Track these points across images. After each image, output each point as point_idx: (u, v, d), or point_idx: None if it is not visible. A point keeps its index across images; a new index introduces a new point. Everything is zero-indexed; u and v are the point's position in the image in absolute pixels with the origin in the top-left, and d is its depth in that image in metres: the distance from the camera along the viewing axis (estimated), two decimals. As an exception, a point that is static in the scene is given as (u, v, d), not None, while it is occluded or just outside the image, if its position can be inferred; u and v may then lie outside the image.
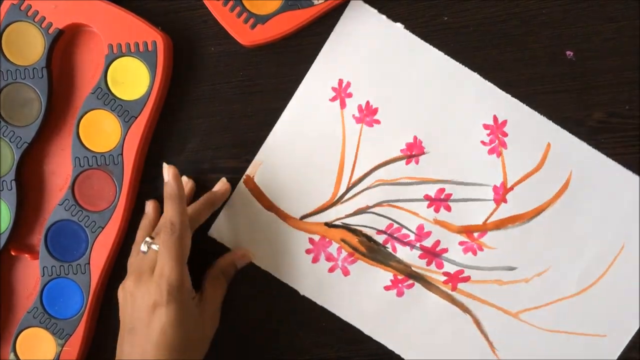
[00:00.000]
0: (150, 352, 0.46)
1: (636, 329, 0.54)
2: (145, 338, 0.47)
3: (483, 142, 0.53)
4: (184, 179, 0.54)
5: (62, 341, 0.53)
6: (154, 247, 0.49)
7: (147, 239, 0.50)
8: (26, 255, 0.54)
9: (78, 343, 0.53)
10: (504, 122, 0.53)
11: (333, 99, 0.55)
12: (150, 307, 0.47)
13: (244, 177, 0.55)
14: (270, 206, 0.55)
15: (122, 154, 0.52)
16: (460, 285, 0.55)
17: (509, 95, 0.53)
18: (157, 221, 0.53)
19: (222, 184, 0.55)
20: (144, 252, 0.50)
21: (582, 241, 0.54)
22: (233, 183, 0.55)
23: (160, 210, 0.54)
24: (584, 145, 0.53)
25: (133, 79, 0.52)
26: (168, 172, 0.51)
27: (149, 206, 0.54)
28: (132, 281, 0.48)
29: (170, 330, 0.46)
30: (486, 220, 0.54)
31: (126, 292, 0.49)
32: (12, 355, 0.53)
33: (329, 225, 0.55)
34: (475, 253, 0.54)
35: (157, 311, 0.47)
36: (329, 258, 0.55)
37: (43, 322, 0.53)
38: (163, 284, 0.47)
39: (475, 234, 0.54)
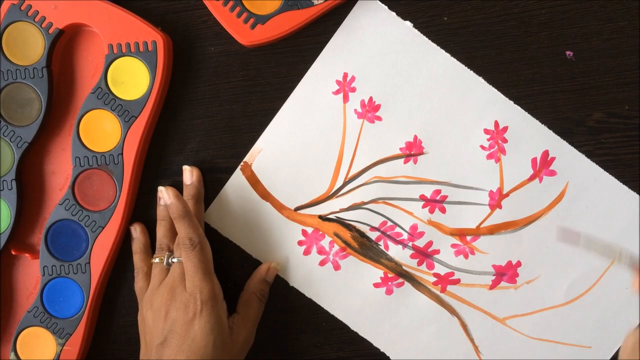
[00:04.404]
0: None
1: (620, 343, 0.54)
2: (178, 348, 0.48)
3: (482, 147, 0.53)
4: (188, 168, 0.54)
5: (63, 340, 0.53)
6: (175, 259, 0.51)
7: (167, 253, 0.52)
8: (26, 254, 0.54)
9: (78, 342, 0.53)
10: (505, 128, 0.53)
11: (336, 92, 0.55)
12: (189, 319, 0.48)
13: (241, 163, 0.55)
14: (265, 195, 0.55)
15: (122, 154, 0.52)
16: (450, 288, 0.55)
17: (512, 102, 0.53)
18: (148, 242, 0.54)
19: (190, 172, 0.54)
20: (167, 267, 0.52)
21: (573, 252, 0.54)
22: (233, 183, 0.55)
23: (147, 232, 0.55)
24: (583, 158, 0.53)
25: (133, 79, 0.52)
26: (168, 193, 0.51)
27: (137, 230, 0.54)
28: (165, 297, 0.49)
29: (201, 336, 0.48)
30: (480, 224, 0.54)
31: (157, 307, 0.50)
32: (12, 355, 0.53)
33: (323, 218, 0.55)
34: (466, 256, 0.54)
35: (193, 321, 0.48)
36: (321, 251, 0.55)
37: (43, 322, 0.53)
38: (197, 295, 0.48)
39: (468, 238, 0.54)
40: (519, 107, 0.53)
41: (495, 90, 0.53)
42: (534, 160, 0.54)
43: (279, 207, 0.55)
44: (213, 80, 0.55)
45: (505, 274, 0.54)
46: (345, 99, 0.55)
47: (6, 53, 0.52)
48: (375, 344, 0.55)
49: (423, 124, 0.54)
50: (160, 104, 0.53)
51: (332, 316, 0.55)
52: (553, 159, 0.54)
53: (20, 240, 0.55)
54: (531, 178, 0.54)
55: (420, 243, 0.55)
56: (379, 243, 0.55)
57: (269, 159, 0.55)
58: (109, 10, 0.52)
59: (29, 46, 0.52)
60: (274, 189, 0.55)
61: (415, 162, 0.54)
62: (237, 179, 0.55)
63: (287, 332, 0.56)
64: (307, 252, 0.55)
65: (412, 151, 0.54)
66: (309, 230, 0.55)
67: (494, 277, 0.54)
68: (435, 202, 0.54)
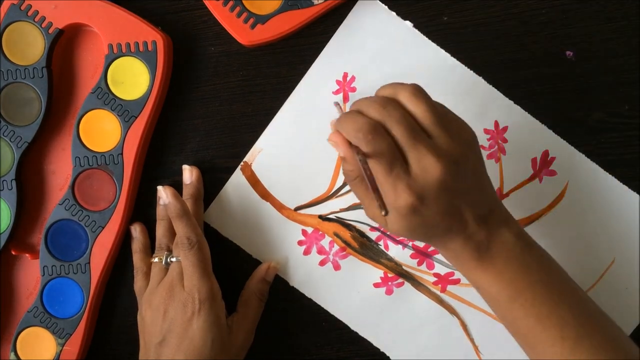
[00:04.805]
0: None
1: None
2: (177, 347, 0.48)
3: (482, 147, 0.53)
4: (187, 167, 0.54)
5: (63, 340, 0.53)
6: (174, 259, 0.51)
7: (165, 252, 0.52)
8: (26, 254, 0.54)
9: (78, 342, 0.53)
10: (505, 128, 0.53)
11: (336, 92, 0.55)
12: (187, 319, 0.48)
13: (241, 163, 0.55)
14: (265, 195, 0.55)
15: (122, 154, 0.52)
16: (450, 288, 0.55)
17: (512, 102, 0.53)
18: (148, 242, 0.54)
19: (189, 172, 0.54)
20: (165, 267, 0.52)
21: (573, 252, 0.54)
22: (233, 183, 0.55)
23: (147, 232, 0.55)
24: (583, 158, 0.53)
25: (133, 79, 0.52)
26: (166, 192, 0.52)
27: (136, 230, 0.54)
28: (163, 296, 0.49)
29: (199, 335, 0.48)
30: (479, 224, 0.54)
31: (156, 307, 0.50)
32: (12, 355, 0.53)
33: (323, 218, 0.55)
34: (466, 256, 0.54)
35: (192, 321, 0.48)
36: (321, 251, 0.55)
37: (43, 322, 0.53)
38: (195, 295, 0.48)
39: (468, 238, 0.54)
40: (519, 107, 0.53)
41: (495, 90, 0.53)
42: (534, 160, 0.54)
43: (279, 207, 0.55)
44: (213, 80, 0.55)
45: (505, 274, 0.54)
46: (346, 98, 0.54)
47: (6, 53, 0.52)
48: (375, 344, 0.55)
49: (423, 124, 0.54)
50: (160, 104, 0.53)
51: (332, 316, 0.55)
52: (553, 159, 0.54)
53: (20, 240, 0.55)
54: (531, 178, 0.54)
55: (420, 243, 0.55)
56: (379, 243, 0.55)
57: (269, 159, 0.55)
58: (109, 10, 0.52)
59: (29, 46, 0.52)
60: (274, 188, 0.55)
61: (415, 162, 0.54)
62: (237, 179, 0.55)
63: (287, 332, 0.56)
64: (307, 252, 0.55)
65: (412, 151, 0.54)
66: (309, 230, 0.55)
67: None
68: (435, 202, 0.54)
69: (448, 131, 0.42)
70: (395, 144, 0.41)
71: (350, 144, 0.42)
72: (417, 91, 0.42)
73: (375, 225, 0.55)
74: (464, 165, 0.42)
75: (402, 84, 0.43)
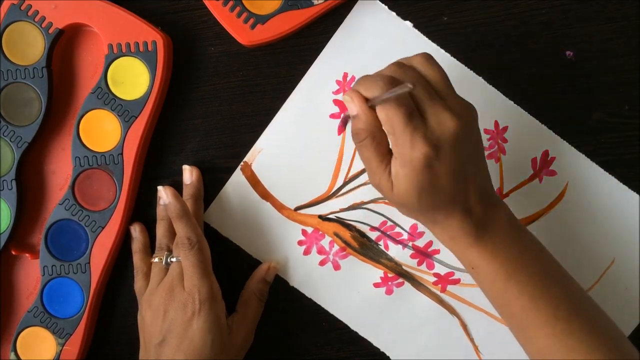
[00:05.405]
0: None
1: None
2: (177, 348, 0.48)
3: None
4: (188, 167, 0.54)
5: (63, 340, 0.53)
6: (174, 259, 0.51)
7: (166, 252, 0.52)
8: (26, 254, 0.54)
9: (78, 342, 0.53)
10: (505, 128, 0.53)
11: (336, 92, 0.55)
12: (187, 319, 0.48)
13: (241, 163, 0.55)
14: (265, 195, 0.55)
15: (122, 154, 0.52)
16: (450, 288, 0.55)
17: (512, 102, 0.53)
18: (148, 242, 0.54)
19: (190, 172, 0.54)
20: (165, 267, 0.52)
21: (573, 252, 0.54)
22: (233, 183, 0.55)
23: (147, 232, 0.55)
24: (583, 158, 0.53)
25: (133, 79, 0.52)
26: (166, 192, 0.52)
27: (136, 230, 0.54)
28: (163, 297, 0.49)
29: (199, 336, 0.48)
30: (480, 224, 0.54)
31: (156, 307, 0.50)
32: (12, 355, 0.53)
33: (322, 218, 0.55)
34: (466, 256, 0.54)
35: (192, 321, 0.48)
36: (321, 251, 0.55)
37: (43, 322, 0.53)
38: (196, 295, 0.48)
39: (468, 237, 0.54)
40: (519, 107, 0.53)
41: (495, 90, 0.53)
42: (534, 160, 0.54)
43: (279, 207, 0.55)
44: (213, 80, 0.55)
45: (505, 274, 0.54)
46: (346, 99, 0.55)
47: (6, 53, 0.52)
48: (375, 344, 0.55)
49: (423, 124, 0.54)
50: (160, 104, 0.53)
51: (332, 316, 0.55)
52: (553, 159, 0.54)
53: (20, 240, 0.55)
54: (531, 178, 0.54)
55: (420, 243, 0.55)
56: (379, 243, 0.55)
57: (269, 159, 0.55)
58: (109, 10, 0.52)
59: (29, 46, 0.52)
60: (274, 188, 0.55)
61: (415, 162, 0.54)
62: (237, 178, 0.55)
63: (287, 332, 0.56)
64: (307, 252, 0.55)
65: (412, 151, 0.54)
66: (309, 230, 0.55)
67: None
68: (435, 202, 0.54)
69: (458, 96, 0.44)
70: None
71: (365, 100, 0.43)
72: (430, 57, 0.44)
73: (376, 225, 0.55)
74: (471, 132, 0.44)
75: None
